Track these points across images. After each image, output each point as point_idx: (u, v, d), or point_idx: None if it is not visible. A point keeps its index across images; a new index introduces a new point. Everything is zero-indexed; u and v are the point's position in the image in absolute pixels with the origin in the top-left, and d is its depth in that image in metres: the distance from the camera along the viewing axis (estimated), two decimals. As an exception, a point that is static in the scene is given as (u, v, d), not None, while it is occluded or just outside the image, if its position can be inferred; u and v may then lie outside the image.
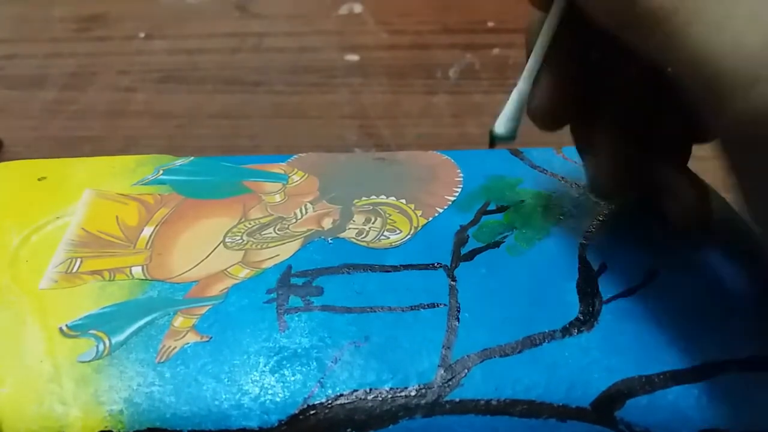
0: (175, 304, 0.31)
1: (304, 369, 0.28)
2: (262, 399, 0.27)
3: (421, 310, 0.30)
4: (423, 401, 0.27)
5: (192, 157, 0.40)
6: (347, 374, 0.28)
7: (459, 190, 0.37)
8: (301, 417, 0.27)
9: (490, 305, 0.30)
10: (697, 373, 0.27)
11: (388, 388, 0.27)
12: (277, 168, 0.39)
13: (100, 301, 0.31)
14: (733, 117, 0.21)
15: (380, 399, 0.27)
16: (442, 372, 0.28)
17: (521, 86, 0.32)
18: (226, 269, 0.33)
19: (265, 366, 0.28)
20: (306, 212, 0.36)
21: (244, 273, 0.32)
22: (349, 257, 0.33)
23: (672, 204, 0.33)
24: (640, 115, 0.32)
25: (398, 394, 0.27)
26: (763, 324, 0.29)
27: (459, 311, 0.30)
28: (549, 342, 0.29)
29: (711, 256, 0.32)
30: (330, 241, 0.34)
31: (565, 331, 0.29)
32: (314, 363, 0.28)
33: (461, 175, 0.38)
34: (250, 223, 0.35)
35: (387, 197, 0.36)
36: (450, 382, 0.28)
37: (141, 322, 0.30)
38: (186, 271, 0.33)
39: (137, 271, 0.33)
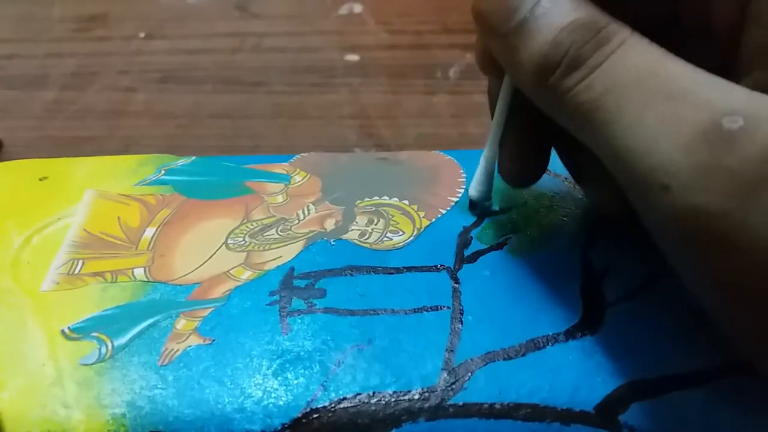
0: (177, 306, 0.31)
1: (307, 372, 0.28)
2: (265, 402, 0.27)
3: (424, 312, 0.30)
4: (426, 405, 0.27)
5: (194, 157, 0.40)
6: (350, 377, 0.28)
7: (462, 191, 0.37)
8: (304, 421, 0.27)
9: (494, 308, 0.30)
10: (701, 377, 0.27)
11: (391, 392, 0.27)
12: (279, 168, 0.39)
13: (103, 303, 0.31)
14: (650, 214, 0.23)
15: (383, 402, 0.27)
16: (446, 375, 0.28)
17: (487, 152, 0.33)
18: (228, 271, 0.33)
19: (267, 369, 0.28)
20: (308, 213, 0.36)
21: (246, 275, 0.32)
22: (351, 259, 0.33)
23: (589, 192, 0.34)
24: None
25: (401, 398, 0.27)
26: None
27: (462, 314, 0.30)
28: (552, 345, 0.29)
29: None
30: (333, 243, 0.34)
31: (569, 334, 0.29)
32: (317, 366, 0.28)
33: (464, 175, 0.38)
34: (252, 224, 0.35)
35: (390, 198, 0.36)
36: (453, 386, 0.27)
37: (143, 325, 0.30)
38: (188, 273, 0.33)
39: (139, 272, 0.33)
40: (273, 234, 0.34)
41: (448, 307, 0.30)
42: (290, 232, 0.34)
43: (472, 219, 0.35)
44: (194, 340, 0.29)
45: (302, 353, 0.29)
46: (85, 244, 0.34)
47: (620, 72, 0.23)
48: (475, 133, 0.52)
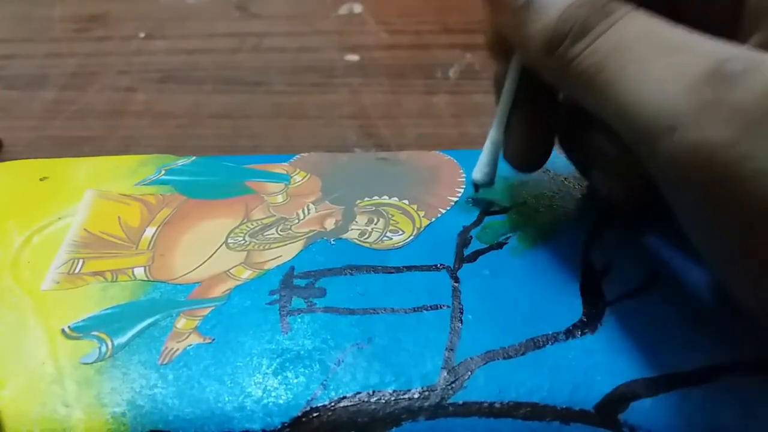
0: (177, 305, 0.31)
1: (306, 371, 0.28)
2: (265, 401, 0.27)
3: (424, 311, 0.30)
4: (426, 404, 0.27)
5: (194, 157, 0.40)
6: (350, 376, 0.28)
7: (462, 190, 0.37)
8: (303, 419, 0.27)
9: (493, 307, 0.30)
10: (701, 376, 0.27)
11: (391, 391, 0.27)
12: (279, 168, 0.39)
13: (103, 303, 0.31)
14: (657, 160, 0.24)
15: (383, 401, 0.27)
16: (446, 374, 0.28)
17: (493, 134, 0.34)
18: (228, 270, 0.33)
19: (267, 368, 0.28)
20: (308, 213, 0.36)
21: (246, 274, 0.32)
22: (351, 258, 0.33)
23: (599, 181, 0.35)
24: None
25: (401, 397, 0.27)
26: None
27: (462, 313, 0.30)
28: (552, 344, 0.29)
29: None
30: (332, 242, 0.34)
31: (569, 333, 0.29)
32: (317, 365, 0.28)
33: (464, 175, 0.38)
34: (252, 224, 0.35)
35: (389, 198, 0.36)
36: (453, 385, 0.28)
37: (143, 324, 0.30)
38: (188, 272, 0.33)
39: (139, 272, 0.33)
40: (273, 233, 0.34)
41: (448, 306, 0.30)
42: (290, 231, 0.34)
43: (472, 218, 0.35)
44: (194, 339, 0.29)
45: (302, 352, 0.29)
46: (85, 244, 0.34)
47: (624, 35, 0.25)
48: (475, 133, 0.52)
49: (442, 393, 0.27)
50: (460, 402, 0.27)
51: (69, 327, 0.30)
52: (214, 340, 0.29)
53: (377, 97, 0.57)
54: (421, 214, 0.35)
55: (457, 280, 0.32)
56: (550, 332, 0.29)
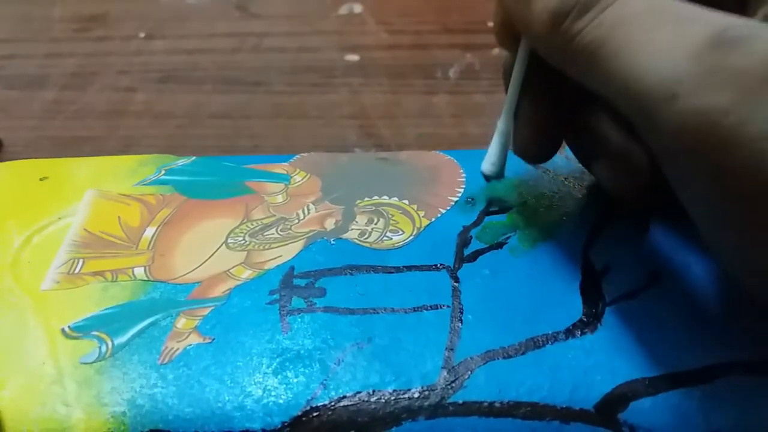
0: (177, 305, 0.31)
1: (307, 371, 0.28)
2: (265, 401, 0.27)
3: (424, 311, 0.30)
4: (426, 403, 0.27)
5: (194, 157, 0.40)
6: (350, 376, 0.28)
7: (462, 190, 0.37)
8: (304, 419, 0.27)
9: (493, 307, 0.30)
10: (701, 376, 0.27)
11: (391, 390, 0.27)
12: (279, 168, 0.39)
13: (103, 302, 0.31)
14: (658, 132, 0.24)
15: (383, 401, 0.27)
16: (446, 374, 0.28)
17: (501, 126, 0.34)
18: (228, 270, 0.33)
19: (267, 368, 0.28)
20: (308, 213, 0.36)
21: (246, 274, 0.32)
22: (351, 258, 0.33)
23: (605, 171, 0.34)
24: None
25: (401, 396, 0.27)
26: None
27: (462, 313, 0.30)
28: (552, 344, 0.29)
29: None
30: (332, 242, 0.34)
31: (569, 332, 0.29)
32: (317, 365, 0.28)
33: (464, 175, 0.38)
34: (252, 224, 0.35)
35: (389, 198, 0.36)
36: (453, 384, 0.28)
37: (143, 324, 0.30)
38: (188, 272, 0.33)
39: (140, 272, 0.33)
40: (273, 233, 0.34)
41: (448, 306, 0.30)
42: (290, 231, 0.35)
43: (472, 218, 0.35)
44: (194, 339, 0.30)
45: (302, 352, 0.29)
46: (85, 244, 0.34)
47: (627, 8, 0.25)
48: (475, 133, 0.52)
49: (442, 392, 0.27)
50: (460, 401, 0.27)
51: (69, 327, 0.30)
52: (214, 339, 0.29)
53: (377, 97, 0.57)
54: (421, 214, 0.35)
55: (457, 279, 0.32)
56: (550, 332, 0.29)
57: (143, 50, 0.64)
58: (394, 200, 0.36)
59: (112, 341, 0.29)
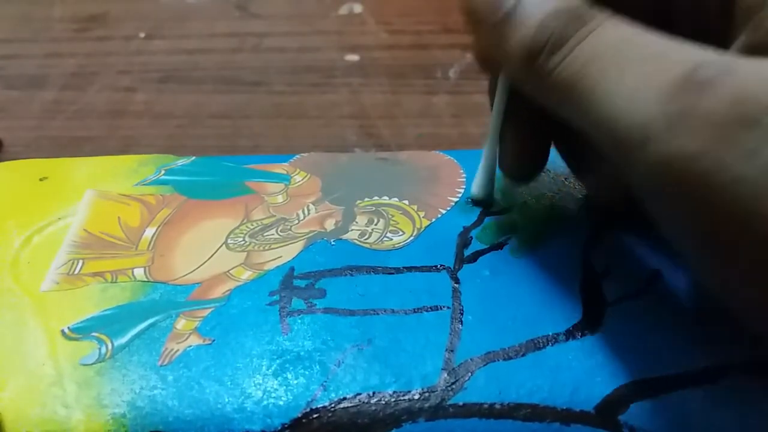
0: (177, 306, 0.31)
1: (307, 372, 0.28)
2: (265, 402, 0.27)
3: (424, 312, 0.30)
4: (426, 405, 0.27)
5: (194, 157, 0.40)
6: (350, 377, 0.28)
7: (462, 191, 0.37)
8: (304, 421, 0.27)
9: (494, 308, 0.30)
10: (702, 377, 0.27)
11: (391, 392, 0.27)
12: (279, 168, 0.39)
13: (102, 303, 0.31)
14: (635, 173, 0.23)
15: (383, 402, 0.27)
16: (446, 375, 0.28)
17: (487, 150, 0.34)
18: (228, 271, 0.33)
19: (268, 369, 0.28)
20: (308, 213, 0.36)
21: (246, 275, 0.32)
22: (351, 259, 0.33)
23: (588, 181, 0.35)
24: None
25: (401, 398, 0.27)
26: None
27: (462, 314, 0.30)
28: (553, 345, 0.29)
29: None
30: (333, 243, 0.34)
31: (569, 334, 0.29)
32: (317, 366, 0.28)
33: (464, 175, 0.38)
34: (252, 224, 0.35)
35: (390, 198, 0.36)
36: (453, 386, 0.27)
37: (143, 325, 0.30)
38: (188, 273, 0.33)
39: (139, 272, 0.33)
40: (273, 234, 0.34)
41: (448, 307, 0.30)
42: (290, 232, 0.34)
43: (472, 219, 0.35)
44: (194, 340, 0.29)
45: (302, 353, 0.29)
46: (85, 244, 0.34)
47: (599, 45, 0.24)
48: (475, 133, 0.52)
49: (442, 394, 0.27)
50: (461, 403, 0.27)
51: (69, 328, 0.30)
52: (214, 341, 0.29)
53: (377, 97, 0.57)
54: (422, 214, 0.35)
55: (457, 280, 0.32)
56: (551, 333, 0.29)
57: (143, 50, 0.64)
58: (395, 201, 0.36)
59: (111, 342, 0.29)
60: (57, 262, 0.33)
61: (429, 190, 0.37)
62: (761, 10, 0.25)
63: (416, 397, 0.27)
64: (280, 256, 0.33)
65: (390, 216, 0.35)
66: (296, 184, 0.37)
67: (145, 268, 0.33)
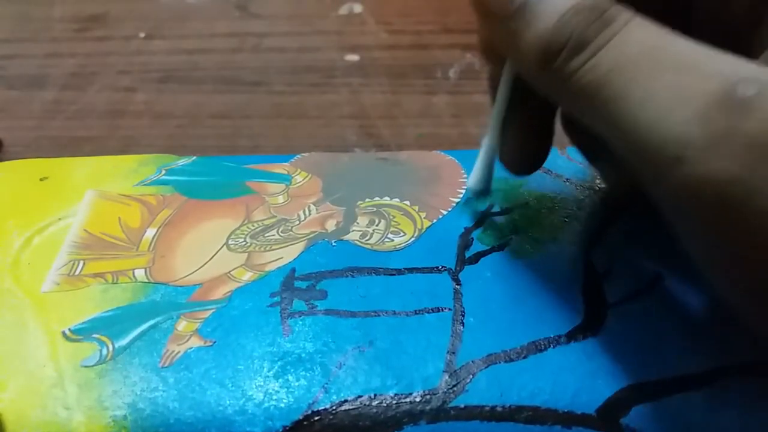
0: (178, 307, 0.31)
1: (308, 374, 0.28)
2: (267, 404, 0.27)
3: (426, 314, 0.30)
4: (428, 407, 0.27)
5: (194, 157, 0.40)
6: (352, 380, 0.28)
7: (463, 191, 0.36)
8: (305, 423, 0.27)
9: (495, 310, 0.30)
10: (704, 379, 0.27)
11: (392, 394, 0.27)
12: (280, 168, 0.39)
13: (103, 305, 0.31)
14: (662, 189, 0.22)
15: (385, 405, 0.27)
16: (447, 378, 0.28)
17: (488, 141, 0.33)
18: (229, 272, 0.32)
19: (269, 371, 0.28)
20: (309, 214, 0.35)
21: (247, 276, 0.32)
22: (353, 260, 0.33)
23: (605, 170, 0.34)
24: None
25: (403, 400, 0.27)
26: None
27: (464, 316, 0.30)
28: (554, 347, 0.29)
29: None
30: (334, 244, 0.34)
31: (571, 336, 0.29)
32: (318, 368, 0.28)
33: (465, 176, 0.37)
34: (253, 225, 0.35)
35: (391, 199, 0.36)
36: (455, 388, 0.27)
37: (144, 326, 0.30)
38: (189, 274, 0.32)
39: (140, 273, 0.33)
40: (274, 235, 0.34)
41: (450, 309, 0.30)
42: (291, 232, 0.34)
43: (474, 220, 0.35)
44: (195, 342, 0.29)
45: (303, 355, 0.29)
46: (85, 245, 0.34)
47: (626, 49, 0.23)
48: (475, 133, 0.52)
49: (443, 396, 0.27)
50: (462, 405, 0.27)
51: (69, 329, 0.30)
52: (215, 342, 0.29)
53: (377, 97, 0.57)
54: (423, 215, 0.35)
55: (458, 282, 0.32)
56: (552, 335, 0.29)
57: (143, 50, 0.64)
58: (396, 201, 0.36)
59: (112, 344, 0.29)
60: (57, 262, 0.33)
61: (430, 191, 0.37)
62: None
63: (417, 399, 0.27)
64: (281, 257, 0.33)
65: (391, 217, 0.35)
66: (297, 185, 0.37)
67: (145, 269, 0.33)
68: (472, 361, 0.28)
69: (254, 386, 0.28)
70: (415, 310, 0.30)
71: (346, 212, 0.35)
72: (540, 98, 0.27)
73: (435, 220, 0.35)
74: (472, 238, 0.34)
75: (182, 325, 0.30)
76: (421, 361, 0.28)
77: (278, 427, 0.27)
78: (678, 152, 0.21)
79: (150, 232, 0.35)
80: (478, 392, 0.27)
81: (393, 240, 0.34)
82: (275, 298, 0.31)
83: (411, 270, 0.32)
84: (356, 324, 0.30)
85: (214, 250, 0.34)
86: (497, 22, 0.26)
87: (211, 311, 0.31)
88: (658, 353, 0.28)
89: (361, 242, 0.34)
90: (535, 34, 0.25)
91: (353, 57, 0.62)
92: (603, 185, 0.36)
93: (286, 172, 0.38)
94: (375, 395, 0.27)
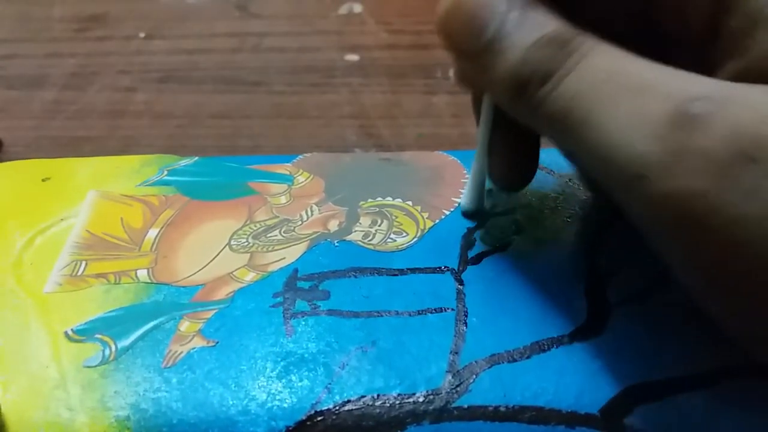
0: (181, 308, 0.31)
1: (311, 374, 0.28)
2: (270, 405, 0.27)
3: (429, 314, 0.30)
4: (431, 407, 0.27)
5: (196, 157, 0.39)
6: (355, 380, 0.28)
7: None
8: (308, 423, 0.27)
9: (498, 310, 0.30)
10: (707, 380, 0.27)
11: (395, 394, 0.27)
12: (282, 168, 0.39)
13: (106, 305, 0.31)
14: (631, 206, 0.23)
15: (388, 405, 0.27)
16: (450, 378, 0.28)
17: (475, 164, 0.34)
18: (232, 272, 0.32)
19: (272, 371, 0.28)
20: (312, 214, 0.35)
21: (250, 276, 0.32)
22: (355, 260, 0.33)
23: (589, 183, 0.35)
24: None
25: (406, 400, 0.27)
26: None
27: (467, 316, 0.30)
28: (557, 348, 0.29)
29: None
30: (336, 244, 0.34)
31: (574, 336, 0.29)
32: (321, 368, 0.28)
33: (467, 176, 0.37)
34: (255, 226, 0.35)
35: (393, 199, 0.36)
36: (458, 388, 0.27)
37: (147, 327, 0.30)
38: (192, 274, 0.32)
39: (143, 274, 0.33)
40: (276, 235, 0.34)
41: (453, 309, 0.30)
42: (293, 233, 0.34)
43: (476, 220, 0.35)
44: (198, 342, 0.29)
45: (306, 355, 0.29)
46: (88, 245, 0.34)
47: (588, 76, 0.24)
48: (475, 133, 0.52)
49: (446, 397, 0.27)
50: (465, 406, 0.27)
51: (72, 330, 0.30)
52: (217, 343, 0.29)
53: (377, 97, 0.57)
54: (425, 215, 0.35)
55: (461, 282, 0.31)
56: (555, 335, 0.29)
57: (143, 50, 0.64)
58: (398, 201, 0.36)
59: (115, 344, 0.29)
60: (60, 263, 0.33)
61: (432, 191, 0.37)
62: (751, 33, 0.24)
63: (421, 399, 0.27)
64: (284, 258, 0.33)
65: (393, 217, 0.35)
66: (299, 185, 0.37)
67: (148, 269, 0.33)
68: (475, 362, 0.28)
69: (257, 386, 0.28)
70: (418, 311, 0.30)
71: (349, 213, 0.35)
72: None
73: (437, 221, 0.35)
74: (475, 239, 0.34)
75: (185, 326, 0.30)
76: (424, 361, 0.28)
77: (281, 427, 0.27)
78: (640, 170, 0.22)
79: (152, 233, 0.35)
80: (482, 392, 0.27)
81: (395, 240, 0.34)
82: (278, 299, 0.31)
83: (414, 270, 0.32)
84: (359, 324, 0.30)
85: (216, 250, 0.34)
86: (469, 57, 0.27)
87: (214, 312, 0.31)
88: (661, 353, 0.28)
89: (364, 242, 0.34)
90: (504, 69, 0.26)
91: (353, 57, 0.62)
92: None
93: (288, 173, 0.38)
94: (378, 395, 0.27)
